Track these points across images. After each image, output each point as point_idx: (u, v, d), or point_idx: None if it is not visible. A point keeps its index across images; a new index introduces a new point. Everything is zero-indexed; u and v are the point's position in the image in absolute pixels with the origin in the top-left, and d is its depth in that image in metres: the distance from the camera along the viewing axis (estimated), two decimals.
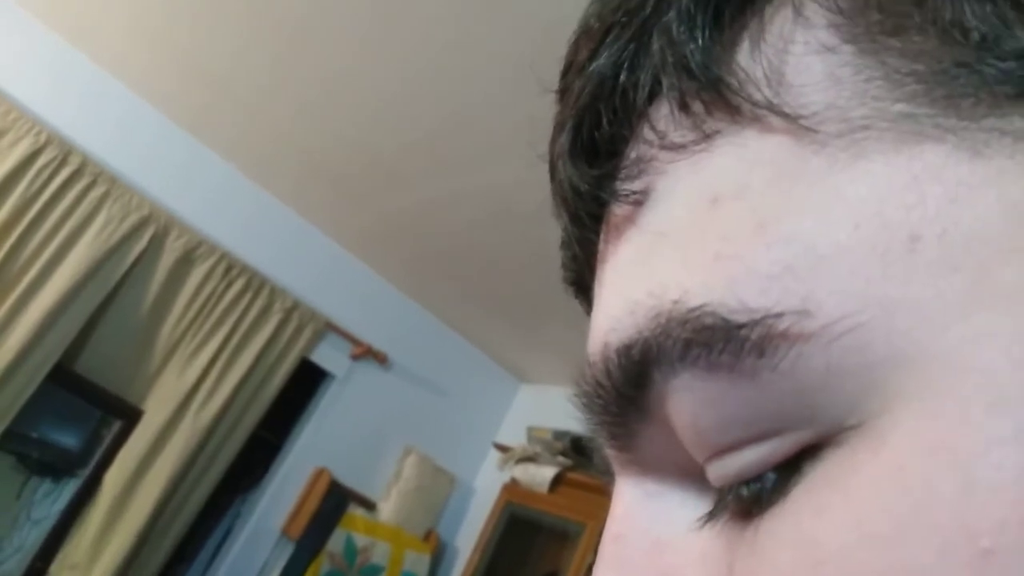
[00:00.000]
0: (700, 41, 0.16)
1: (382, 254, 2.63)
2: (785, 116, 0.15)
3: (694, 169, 0.16)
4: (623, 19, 0.18)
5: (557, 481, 2.32)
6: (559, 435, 2.35)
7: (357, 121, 1.95)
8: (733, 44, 0.16)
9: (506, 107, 1.60)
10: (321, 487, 2.52)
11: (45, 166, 2.14)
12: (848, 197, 0.14)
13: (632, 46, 0.18)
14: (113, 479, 2.23)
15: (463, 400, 2.92)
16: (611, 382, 0.17)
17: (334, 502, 2.53)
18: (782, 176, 0.15)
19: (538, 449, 2.43)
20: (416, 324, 2.84)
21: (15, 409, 2.10)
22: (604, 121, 0.18)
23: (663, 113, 0.17)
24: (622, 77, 0.18)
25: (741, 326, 0.14)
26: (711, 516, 0.17)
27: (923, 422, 0.12)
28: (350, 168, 2.19)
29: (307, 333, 2.52)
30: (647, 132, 0.18)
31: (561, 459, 2.34)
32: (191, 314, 2.34)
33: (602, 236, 0.20)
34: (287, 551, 2.46)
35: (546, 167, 0.22)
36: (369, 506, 2.63)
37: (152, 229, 2.29)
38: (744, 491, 0.15)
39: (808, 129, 0.15)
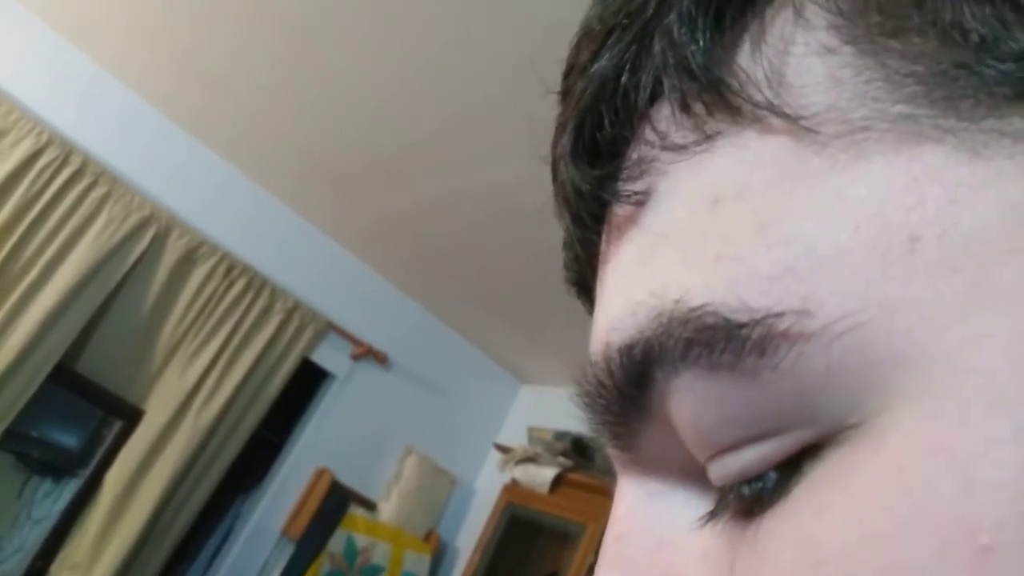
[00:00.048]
0: (701, 43, 0.16)
1: (383, 254, 2.63)
2: (786, 117, 0.15)
3: (695, 170, 0.17)
4: (624, 21, 0.18)
5: (558, 482, 2.31)
6: (560, 436, 2.35)
7: (357, 121, 1.95)
8: (734, 45, 0.16)
9: (506, 107, 1.60)
10: (322, 487, 2.53)
11: (47, 166, 2.14)
12: (848, 198, 0.14)
13: (634, 48, 0.18)
14: (114, 479, 2.23)
15: (464, 400, 2.92)
16: (613, 382, 0.17)
17: (335, 502, 2.53)
18: (783, 177, 0.15)
19: (539, 450, 2.43)
20: (417, 324, 2.84)
21: (16, 408, 2.10)
22: (606, 122, 0.18)
23: (664, 114, 0.17)
24: (624, 78, 0.18)
25: (742, 325, 0.14)
26: (712, 515, 0.17)
27: (923, 422, 0.12)
28: (350, 168, 2.20)
29: (308, 333, 2.53)
30: (648, 133, 0.18)
31: (562, 460, 2.34)
32: (192, 314, 2.34)
33: (604, 237, 0.20)
34: (288, 551, 2.46)
35: (547, 167, 0.22)
36: (370, 506, 2.63)
37: (153, 229, 2.30)
38: (745, 490, 0.15)
39: (809, 130, 0.15)
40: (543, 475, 2.35)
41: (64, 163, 2.17)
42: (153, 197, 2.31)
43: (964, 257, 0.13)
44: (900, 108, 0.14)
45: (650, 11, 0.17)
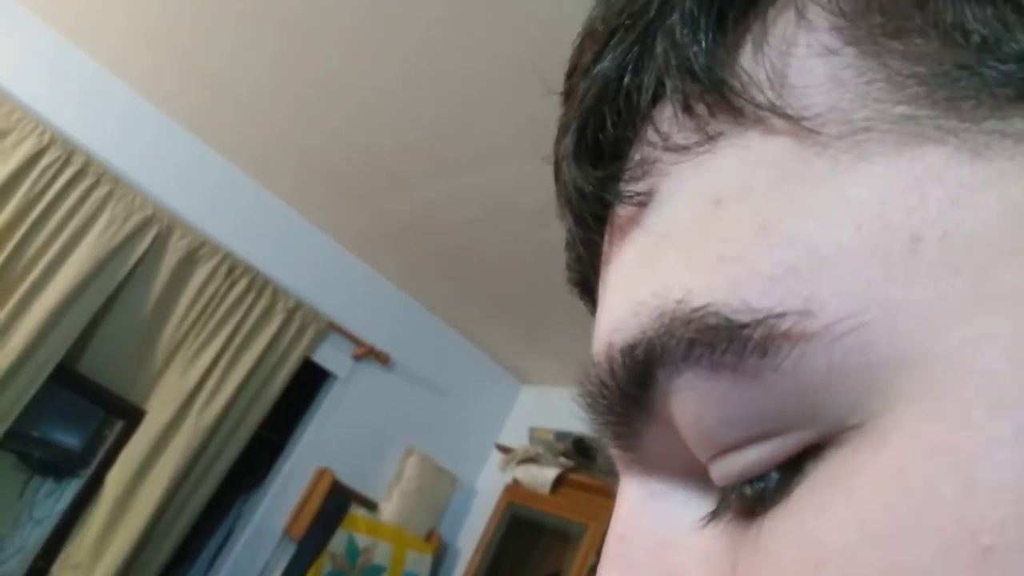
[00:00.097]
0: (703, 44, 0.16)
1: (384, 254, 2.64)
2: (788, 118, 0.15)
3: (698, 171, 0.17)
4: (627, 22, 0.18)
5: (559, 482, 2.31)
6: (561, 436, 2.35)
7: (358, 121, 1.95)
8: (736, 47, 0.16)
9: (506, 107, 1.60)
10: (323, 487, 2.53)
11: (49, 166, 2.14)
12: (850, 199, 0.14)
13: (636, 49, 0.18)
14: (115, 479, 2.23)
15: (465, 401, 2.92)
16: (615, 382, 0.17)
17: (336, 502, 2.53)
18: (785, 178, 0.15)
19: (540, 450, 2.43)
20: (418, 324, 2.84)
21: (18, 408, 2.10)
22: (608, 123, 0.19)
23: (667, 115, 0.17)
24: (626, 79, 0.18)
25: (744, 326, 0.14)
26: (714, 515, 0.17)
27: (924, 423, 0.12)
28: (351, 168, 2.20)
29: (309, 333, 2.53)
30: (651, 134, 0.18)
31: (563, 460, 2.34)
32: (194, 314, 2.34)
33: (606, 237, 0.20)
34: (289, 551, 2.46)
35: (547, 167, 0.22)
36: (371, 506, 2.63)
37: (155, 229, 2.30)
38: (747, 490, 0.15)
39: (811, 131, 0.15)
40: (544, 475, 2.35)
41: (66, 163, 2.17)
42: (155, 197, 2.32)
43: (965, 258, 0.13)
44: (902, 109, 0.14)
45: (653, 12, 0.17)
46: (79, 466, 2.30)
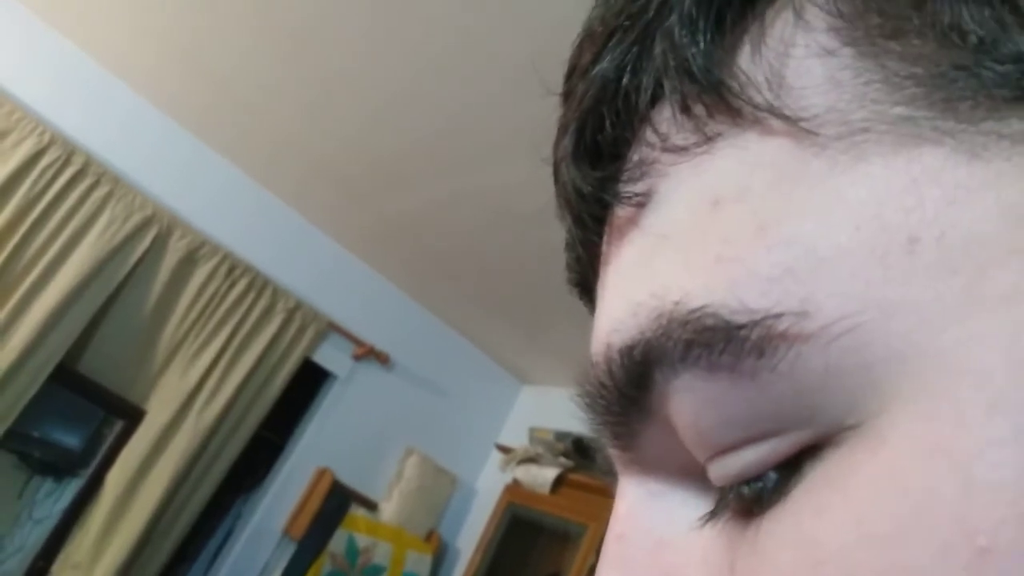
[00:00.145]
0: (702, 44, 0.16)
1: (384, 255, 2.64)
2: (786, 119, 0.15)
3: (696, 172, 0.17)
4: (626, 23, 0.18)
5: (559, 482, 2.31)
6: (561, 436, 2.35)
7: (360, 122, 1.95)
8: (734, 47, 0.16)
9: (508, 108, 1.60)
10: (323, 487, 2.53)
11: (49, 166, 2.14)
12: (848, 199, 0.14)
13: (635, 49, 0.18)
14: (115, 479, 2.23)
15: (465, 401, 2.92)
16: (613, 383, 0.17)
17: (336, 502, 2.53)
18: (783, 179, 0.15)
19: (540, 450, 2.43)
20: (418, 325, 2.84)
21: (18, 408, 2.10)
22: (607, 124, 0.19)
23: (665, 116, 0.17)
24: (625, 80, 0.18)
25: (741, 327, 0.14)
26: (712, 515, 0.17)
27: (921, 423, 0.12)
28: (352, 169, 2.20)
29: (309, 333, 2.53)
30: (649, 135, 0.18)
31: (563, 460, 2.34)
32: (194, 314, 2.34)
33: (605, 238, 0.20)
34: (289, 551, 2.46)
35: (548, 168, 0.22)
36: (371, 506, 2.63)
37: (155, 229, 2.30)
38: (745, 490, 0.15)
39: (808, 132, 0.15)
40: (544, 475, 2.35)
41: (66, 163, 2.17)
42: (155, 197, 2.32)
43: (963, 259, 0.13)
44: (899, 110, 0.14)
45: (651, 13, 0.17)
46: (79, 466, 2.30)
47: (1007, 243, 0.12)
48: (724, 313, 0.15)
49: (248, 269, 2.43)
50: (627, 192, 0.18)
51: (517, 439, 2.67)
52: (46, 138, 2.14)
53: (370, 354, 2.67)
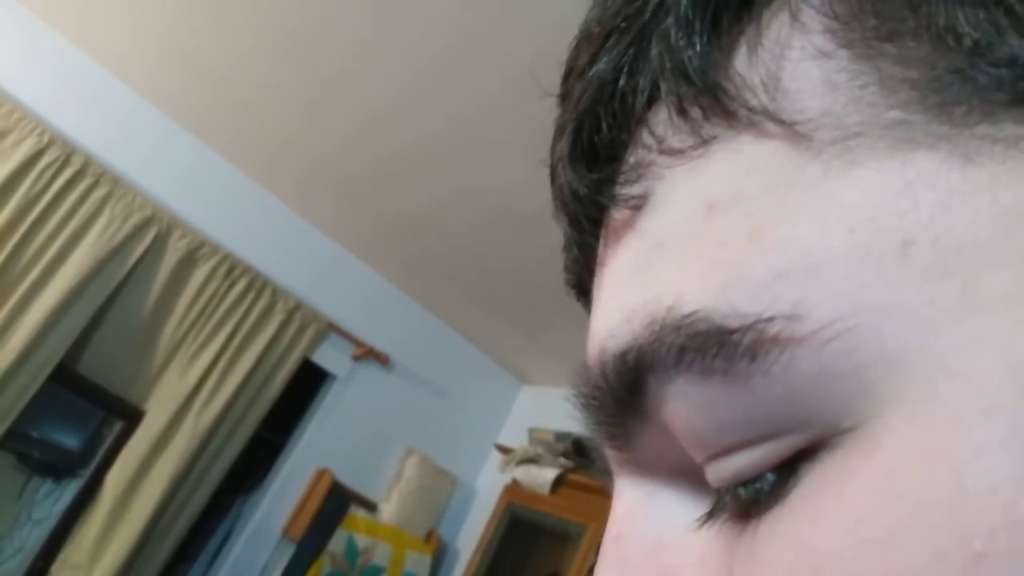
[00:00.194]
0: (698, 47, 0.16)
1: (384, 255, 2.64)
2: (781, 122, 0.15)
3: (692, 174, 0.17)
4: (623, 24, 0.18)
5: (558, 482, 2.31)
6: (560, 436, 2.35)
7: (359, 122, 1.95)
8: (731, 49, 0.16)
9: (508, 108, 1.60)
10: (323, 488, 2.53)
11: (48, 166, 2.14)
12: (842, 203, 0.14)
13: (631, 51, 0.18)
14: (115, 479, 2.23)
15: (464, 401, 2.92)
16: (608, 387, 0.17)
17: (335, 503, 2.53)
18: (778, 182, 0.15)
19: (539, 450, 2.43)
20: (418, 325, 2.84)
21: (17, 409, 2.10)
22: (604, 126, 0.18)
23: (662, 118, 0.17)
24: (621, 82, 0.18)
25: (733, 331, 0.14)
26: (710, 516, 0.17)
27: (915, 427, 0.12)
28: (352, 169, 2.20)
29: (309, 334, 2.53)
30: (646, 137, 0.18)
31: (562, 460, 2.34)
32: (193, 315, 2.34)
33: (601, 240, 0.20)
34: (288, 552, 2.46)
35: (547, 169, 0.22)
36: (370, 507, 2.63)
37: (155, 230, 2.30)
38: (742, 492, 0.15)
39: (803, 135, 0.15)
40: (544, 476, 2.35)
41: (65, 163, 2.17)
42: (154, 197, 2.32)
43: (957, 262, 0.13)
44: (894, 114, 0.14)
45: (648, 14, 0.17)
46: (78, 466, 2.30)
47: (1002, 247, 0.12)
48: (716, 318, 0.14)
49: (248, 269, 2.43)
50: (623, 195, 0.18)
51: (517, 439, 2.67)
52: (45, 138, 2.14)
53: (370, 354, 2.67)
